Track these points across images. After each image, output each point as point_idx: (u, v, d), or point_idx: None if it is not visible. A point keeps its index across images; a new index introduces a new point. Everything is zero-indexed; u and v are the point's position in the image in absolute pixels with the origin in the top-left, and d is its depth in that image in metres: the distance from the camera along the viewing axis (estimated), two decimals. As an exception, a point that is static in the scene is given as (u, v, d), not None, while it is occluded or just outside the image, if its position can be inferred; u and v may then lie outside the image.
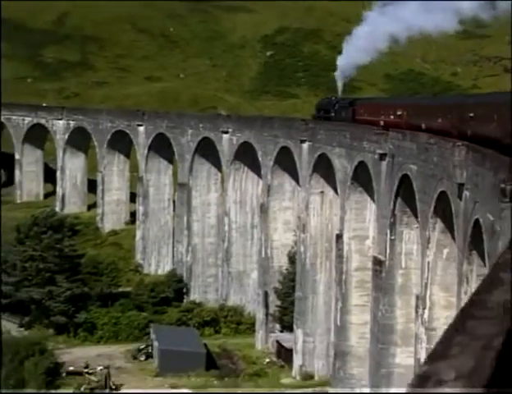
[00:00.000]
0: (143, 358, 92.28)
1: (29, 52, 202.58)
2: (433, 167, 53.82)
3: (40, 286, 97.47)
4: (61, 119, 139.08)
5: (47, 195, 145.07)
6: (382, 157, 66.45)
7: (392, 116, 72.80)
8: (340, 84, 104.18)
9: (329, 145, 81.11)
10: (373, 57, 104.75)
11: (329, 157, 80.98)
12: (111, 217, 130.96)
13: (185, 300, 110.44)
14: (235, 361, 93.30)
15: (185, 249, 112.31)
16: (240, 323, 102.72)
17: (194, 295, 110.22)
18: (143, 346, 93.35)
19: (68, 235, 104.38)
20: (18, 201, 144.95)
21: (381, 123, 74.46)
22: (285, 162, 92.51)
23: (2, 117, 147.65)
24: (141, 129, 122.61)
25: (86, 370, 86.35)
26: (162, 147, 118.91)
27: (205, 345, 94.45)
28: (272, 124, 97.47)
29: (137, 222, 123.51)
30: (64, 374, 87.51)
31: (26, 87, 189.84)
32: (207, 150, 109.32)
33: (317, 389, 76.63)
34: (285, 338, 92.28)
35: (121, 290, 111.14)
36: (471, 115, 48.50)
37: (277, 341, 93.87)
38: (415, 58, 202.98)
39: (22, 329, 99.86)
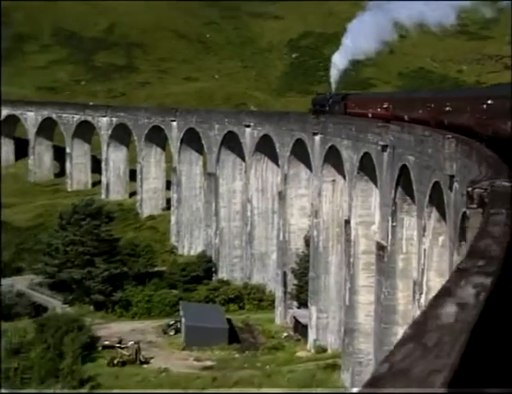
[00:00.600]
0: (172, 333, 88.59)
1: (83, 57, 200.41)
2: (428, 159, 49.46)
3: (80, 268, 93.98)
4: (105, 116, 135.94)
5: (94, 184, 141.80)
6: (384, 148, 62.15)
7: (379, 109, 72.72)
8: (333, 81, 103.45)
9: (338, 137, 76.75)
10: (370, 53, 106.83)
11: (338, 148, 76.60)
12: (149, 204, 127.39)
13: (213, 279, 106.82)
14: (256, 335, 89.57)
15: (213, 233, 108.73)
16: (262, 300, 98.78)
17: (222, 274, 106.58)
18: (172, 322, 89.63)
19: (105, 221, 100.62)
20: (69, 190, 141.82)
21: (370, 115, 75.28)
22: (300, 152, 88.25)
23: (55, 115, 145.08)
24: (174, 124, 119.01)
25: (118, 345, 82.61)
26: (192, 140, 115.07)
27: (229, 320, 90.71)
28: (289, 118, 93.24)
29: (172, 208, 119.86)
30: (100, 348, 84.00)
31: (80, 88, 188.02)
32: (232, 143, 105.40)
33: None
34: (302, 314, 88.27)
35: (156, 269, 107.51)
36: (447, 107, 48.26)
37: (294, 317, 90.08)
38: (425, 57, 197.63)
39: (66, 306, 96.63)
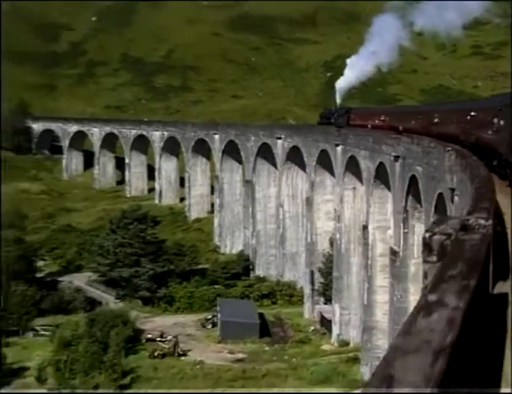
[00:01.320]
0: (210, 326, 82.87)
1: (145, 79, 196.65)
2: (433, 170, 42.98)
3: (128, 267, 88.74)
4: (157, 130, 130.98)
5: (150, 190, 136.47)
6: (396, 158, 55.73)
7: (377, 121, 72.20)
8: (337, 99, 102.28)
9: (356, 148, 70.25)
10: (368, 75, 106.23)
11: (357, 158, 70.16)
12: (196, 208, 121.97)
13: (251, 275, 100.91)
14: (285, 329, 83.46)
15: (250, 234, 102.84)
16: (293, 296, 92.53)
17: (259, 271, 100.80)
18: (210, 317, 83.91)
19: (151, 225, 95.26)
20: (128, 195, 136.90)
21: (369, 126, 73.98)
22: (325, 162, 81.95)
23: (116, 130, 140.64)
24: (216, 137, 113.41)
25: (159, 339, 77.14)
26: (232, 151, 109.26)
27: (261, 314, 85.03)
28: (314, 131, 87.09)
29: (215, 212, 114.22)
30: (143, 341, 78.44)
31: (142, 106, 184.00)
32: (266, 153, 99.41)
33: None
34: (327, 310, 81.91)
35: (200, 267, 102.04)
36: (436, 119, 47.93)
37: (320, 313, 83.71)
38: (445, 75, 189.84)
39: (118, 301, 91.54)
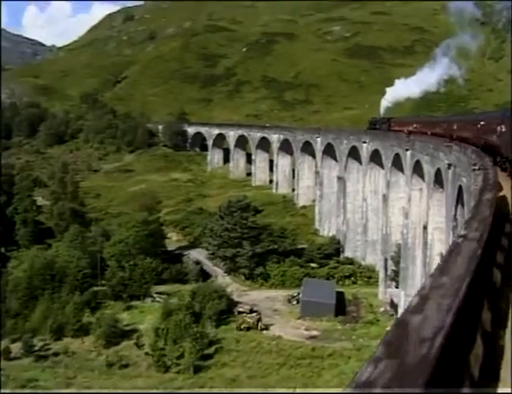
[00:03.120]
0: (294, 303, 69.85)
1: (277, 94, 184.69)
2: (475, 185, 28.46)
3: (232, 248, 77.06)
4: (276, 134, 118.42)
5: (271, 181, 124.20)
6: (449, 166, 40.90)
7: (410, 127, 69.73)
8: (382, 111, 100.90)
9: (421, 153, 55.21)
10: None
11: (421, 162, 55.24)
12: (302, 197, 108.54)
13: (341, 256, 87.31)
14: (360, 309, 69.27)
15: (341, 222, 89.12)
16: (371, 278, 77.98)
17: (347, 253, 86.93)
18: (295, 294, 70.88)
19: (252, 213, 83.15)
20: (253, 185, 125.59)
21: (405, 131, 69.95)
22: (399, 164, 66.99)
23: (246, 133, 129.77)
24: (318, 139, 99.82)
25: (247, 314, 65.11)
26: (330, 151, 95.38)
27: (341, 293, 71.72)
28: (389, 136, 71.74)
29: (316, 201, 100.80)
30: (236, 313, 66.57)
31: (273, 115, 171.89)
32: (355, 154, 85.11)
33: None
34: (396, 294, 67.33)
35: (300, 246, 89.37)
36: (455, 126, 46.05)
37: (390, 296, 69.07)
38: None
39: (226, 274, 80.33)
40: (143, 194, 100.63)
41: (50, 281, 70.40)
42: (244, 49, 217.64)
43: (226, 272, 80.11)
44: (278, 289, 75.74)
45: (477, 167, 22.64)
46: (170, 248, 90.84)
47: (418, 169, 57.74)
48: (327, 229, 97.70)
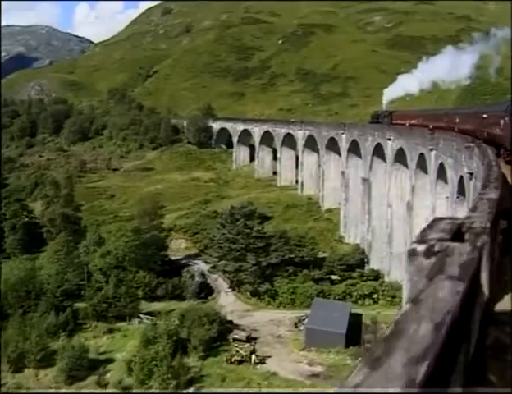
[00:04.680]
0: (302, 328, 58.97)
1: (312, 88, 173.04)
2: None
3: (234, 261, 66.67)
4: (300, 129, 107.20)
5: (297, 181, 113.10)
6: (471, 176, 29.55)
7: (413, 121, 66.79)
8: (384, 104, 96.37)
9: (444, 155, 43.61)
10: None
11: (445, 166, 43.73)
12: (328, 199, 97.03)
13: (365, 268, 76.25)
14: (378, 337, 57.82)
15: (366, 229, 77.97)
16: (395, 297, 66.14)
17: (373, 265, 75.95)
18: (303, 317, 60.07)
19: (258, 222, 72.19)
20: (278, 185, 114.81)
21: (407, 124, 68.10)
22: (424, 167, 55.30)
23: (271, 129, 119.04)
24: (343, 136, 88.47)
25: (236, 346, 54.72)
26: (356, 149, 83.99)
27: (358, 317, 60.48)
28: (414, 134, 59.64)
29: (341, 204, 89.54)
30: (231, 340, 56.35)
31: (307, 109, 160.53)
32: (380, 153, 73.60)
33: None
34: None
35: (321, 255, 78.59)
36: (457, 119, 44.12)
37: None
38: None
39: (230, 290, 70.13)
40: (151, 197, 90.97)
41: (26, 298, 61.61)
42: (280, 41, 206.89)
43: (230, 288, 69.94)
44: (287, 309, 65.13)
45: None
46: (176, 257, 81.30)
47: (442, 174, 46.19)
48: (353, 236, 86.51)
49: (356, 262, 77.28)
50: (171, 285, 68.28)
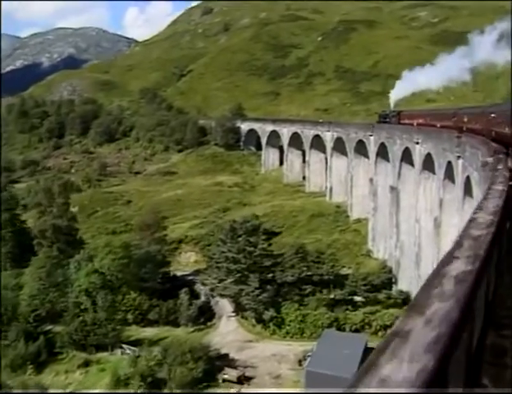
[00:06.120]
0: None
1: (351, 86, 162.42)
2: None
3: (234, 284, 57.44)
4: (328, 131, 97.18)
5: (326, 187, 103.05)
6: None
7: (420, 120, 64.54)
8: (392, 105, 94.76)
9: (471, 166, 33.40)
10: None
11: (471, 180, 33.56)
12: (357, 208, 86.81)
13: (393, 289, 66.18)
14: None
15: (394, 244, 67.77)
16: (421, 329, 55.86)
17: (401, 286, 65.89)
18: (310, 353, 50.38)
19: (262, 238, 62.63)
20: (306, 191, 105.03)
21: (414, 124, 65.67)
22: (452, 176, 44.89)
23: (299, 131, 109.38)
24: (371, 138, 78.28)
25: (235, 381, 45.78)
26: (384, 154, 73.84)
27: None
28: (442, 136, 48.99)
29: (369, 215, 79.42)
30: (220, 381, 47.32)
31: (345, 109, 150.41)
32: (409, 158, 63.24)
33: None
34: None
35: (343, 272, 69.00)
36: (465, 119, 43.39)
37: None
38: None
39: (233, 314, 60.97)
40: (153, 206, 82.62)
41: (-3, 322, 54.01)
42: (319, 38, 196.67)
43: (234, 312, 60.80)
44: (294, 339, 55.61)
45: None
46: (183, 272, 72.63)
47: (469, 189, 35.98)
48: (382, 250, 76.44)
49: (382, 281, 67.34)
50: (165, 308, 59.61)
